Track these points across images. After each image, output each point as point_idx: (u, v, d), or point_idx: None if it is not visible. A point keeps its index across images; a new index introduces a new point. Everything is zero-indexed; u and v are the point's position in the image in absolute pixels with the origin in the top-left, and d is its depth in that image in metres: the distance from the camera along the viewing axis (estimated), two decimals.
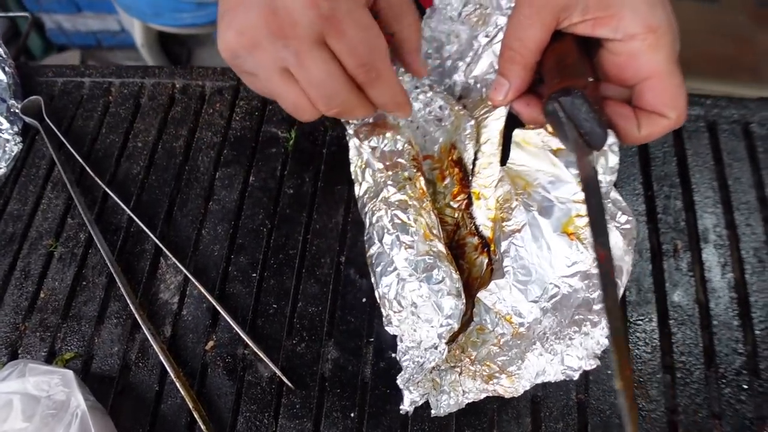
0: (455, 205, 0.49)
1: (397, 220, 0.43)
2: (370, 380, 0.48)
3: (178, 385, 0.47)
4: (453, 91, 0.53)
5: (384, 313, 0.42)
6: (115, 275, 0.52)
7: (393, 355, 0.48)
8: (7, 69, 0.61)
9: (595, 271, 0.40)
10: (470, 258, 0.47)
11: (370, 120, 0.48)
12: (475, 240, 0.47)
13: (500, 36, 0.48)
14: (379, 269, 0.42)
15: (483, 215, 0.46)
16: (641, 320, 0.50)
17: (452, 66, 0.53)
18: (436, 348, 0.40)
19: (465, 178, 0.49)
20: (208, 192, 0.57)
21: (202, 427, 0.46)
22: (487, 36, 0.51)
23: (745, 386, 0.48)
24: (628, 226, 0.42)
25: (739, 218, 0.55)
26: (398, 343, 0.42)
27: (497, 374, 0.42)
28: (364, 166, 0.46)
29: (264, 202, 0.56)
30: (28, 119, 0.60)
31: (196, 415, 0.46)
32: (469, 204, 0.48)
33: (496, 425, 0.46)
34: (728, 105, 0.60)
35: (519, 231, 0.41)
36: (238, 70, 0.39)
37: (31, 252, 0.55)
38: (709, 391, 0.48)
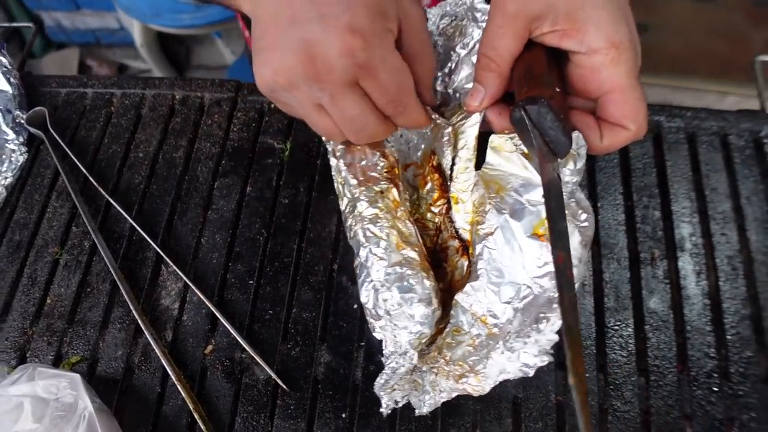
0: (436, 210, 0.51)
1: (369, 234, 0.45)
2: (360, 383, 0.51)
3: (179, 387, 0.50)
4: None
5: (368, 321, 0.45)
6: (118, 282, 0.54)
7: (382, 358, 0.50)
8: (12, 80, 0.64)
9: None
10: (452, 261, 0.49)
11: None
12: (456, 243, 0.49)
13: (477, 47, 0.50)
14: (360, 280, 0.44)
15: (461, 219, 0.48)
16: (618, 326, 0.53)
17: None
18: (406, 354, 0.42)
19: (444, 183, 0.51)
20: (207, 201, 0.59)
21: (202, 427, 0.49)
22: (464, 47, 0.53)
23: (716, 389, 0.51)
24: (586, 224, 0.44)
25: (714, 227, 0.57)
26: (383, 347, 0.45)
27: (467, 374, 0.45)
28: (342, 182, 0.49)
29: (260, 211, 0.58)
30: (33, 130, 0.62)
31: (196, 416, 0.49)
32: (449, 208, 0.50)
33: (479, 425, 0.49)
34: (708, 117, 0.63)
35: (492, 234, 0.43)
36: (274, 100, 0.42)
37: (37, 259, 0.58)
38: (681, 393, 0.50)
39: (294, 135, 0.62)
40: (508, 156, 0.46)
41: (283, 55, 0.37)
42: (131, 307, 0.53)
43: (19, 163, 0.61)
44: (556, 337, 0.44)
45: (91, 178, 0.59)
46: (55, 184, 0.61)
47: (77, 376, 0.48)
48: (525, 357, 0.44)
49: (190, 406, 0.49)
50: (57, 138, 0.62)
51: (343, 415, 0.50)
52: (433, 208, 0.51)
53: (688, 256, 0.56)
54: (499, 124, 0.44)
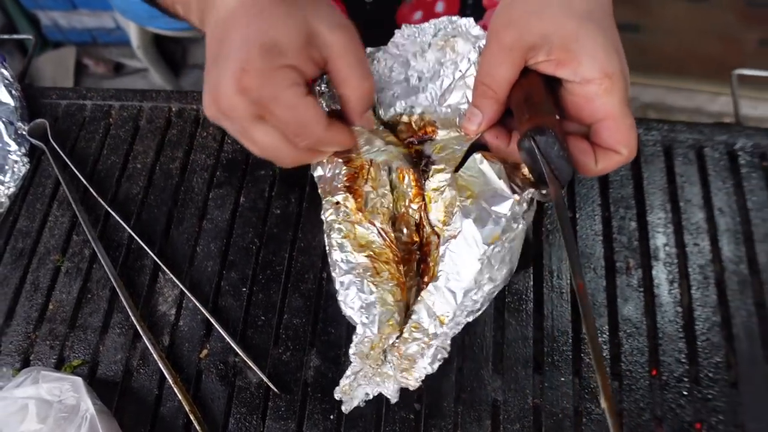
0: (415, 207, 0.53)
1: (328, 241, 0.49)
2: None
3: (175, 389, 0.53)
4: (413, 110, 0.56)
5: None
6: (117, 289, 0.57)
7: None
8: (14, 92, 0.66)
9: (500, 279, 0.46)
10: (434, 256, 0.51)
11: None
12: (436, 239, 0.51)
13: (472, 69, 0.52)
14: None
15: (435, 217, 0.50)
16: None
17: (417, 85, 0.56)
18: (354, 355, 0.46)
19: (420, 180, 0.53)
20: (202, 211, 0.62)
21: (198, 427, 0.51)
22: (454, 64, 0.54)
23: (686, 392, 0.53)
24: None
25: (687, 238, 0.60)
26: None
27: (411, 367, 0.47)
28: (320, 193, 0.53)
29: (253, 221, 0.61)
30: (34, 141, 0.64)
31: (192, 417, 0.52)
32: (426, 205, 0.52)
33: (459, 426, 0.52)
34: (684, 130, 0.65)
35: (455, 237, 0.45)
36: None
37: (39, 266, 0.60)
38: (653, 396, 0.53)
39: None
40: (489, 166, 0.48)
41: (204, 92, 0.41)
42: (130, 313, 0.56)
43: (21, 174, 0.64)
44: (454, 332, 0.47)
45: (90, 189, 0.62)
46: (56, 193, 0.64)
47: (79, 380, 0.51)
48: (438, 351, 0.47)
49: (186, 408, 0.52)
50: (57, 149, 0.64)
51: (331, 417, 0.52)
52: (413, 205, 0.53)
53: (662, 265, 0.58)
54: (497, 146, 0.47)
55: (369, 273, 0.47)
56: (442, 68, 0.55)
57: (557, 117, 0.42)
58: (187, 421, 0.52)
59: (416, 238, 0.52)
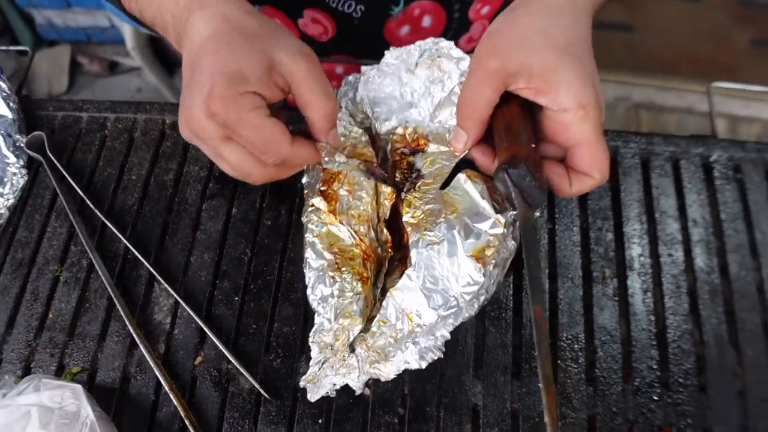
0: (388, 204, 0.55)
1: (304, 240, 0.54)
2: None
3: (171, 395, 0.55)
4: (407, 124, 0.59)
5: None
6: (114, 298, 0.59)
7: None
8: (11, 105, 0.67)
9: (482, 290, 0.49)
10: (409, 258, 0.53)
11: None
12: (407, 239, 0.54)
13: (457, 89, 0.55)
14: None
15: (407, 219, 0.53)
16: (571, 340, 0.58)
17: (411, 101, 0.59)
18: (313, 343, 0.51)
19: (403, 181, 0.56)
20: (195, 222, 0.64)
21: None
22: (441, 82, 0.57)
23: (656, 397, 0.56)
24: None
25: (662, 248, 0.62)
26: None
27: (382, 360, 0.50)
28: (304, 197, 0.57)
29: (245, 232, 0.63)
30: (32, 153, 0.66)
31: (187, 422, 0.54)
32: (400, 202, 0.54)
33: (441, 430, 0.55)
34: (661, 142, 0.68)
35: (437, 243, 0.49)
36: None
37: (39, 276, 0.62)
38: (626, 401, 0.56)
39: None
40: (473, 186, 0.51)
41: (179, 116, 0.46)
42: (127, 322, 0.58)
43: (20, 185, 0.65)
44: (449, 336, 0.51)
45: (87, 200, 0.64)
46: (54, 204, 0.66)
47: (79, 387, 0.53)
48: (424, 351, 0.50)
49: (182, 413, 0.54)
50: (55, 161, 0.66)
51: (320, 421, 0.55)
52: (386, 201, 0.55)
53: (637, 275, 0.61)
54: (483, 162, 0.51)
55: (331, 268, 0.51)
56: (432, 85, 0.57)
57: (533, 145, 0.45)
58: (182, 425, 0.55)
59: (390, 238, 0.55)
